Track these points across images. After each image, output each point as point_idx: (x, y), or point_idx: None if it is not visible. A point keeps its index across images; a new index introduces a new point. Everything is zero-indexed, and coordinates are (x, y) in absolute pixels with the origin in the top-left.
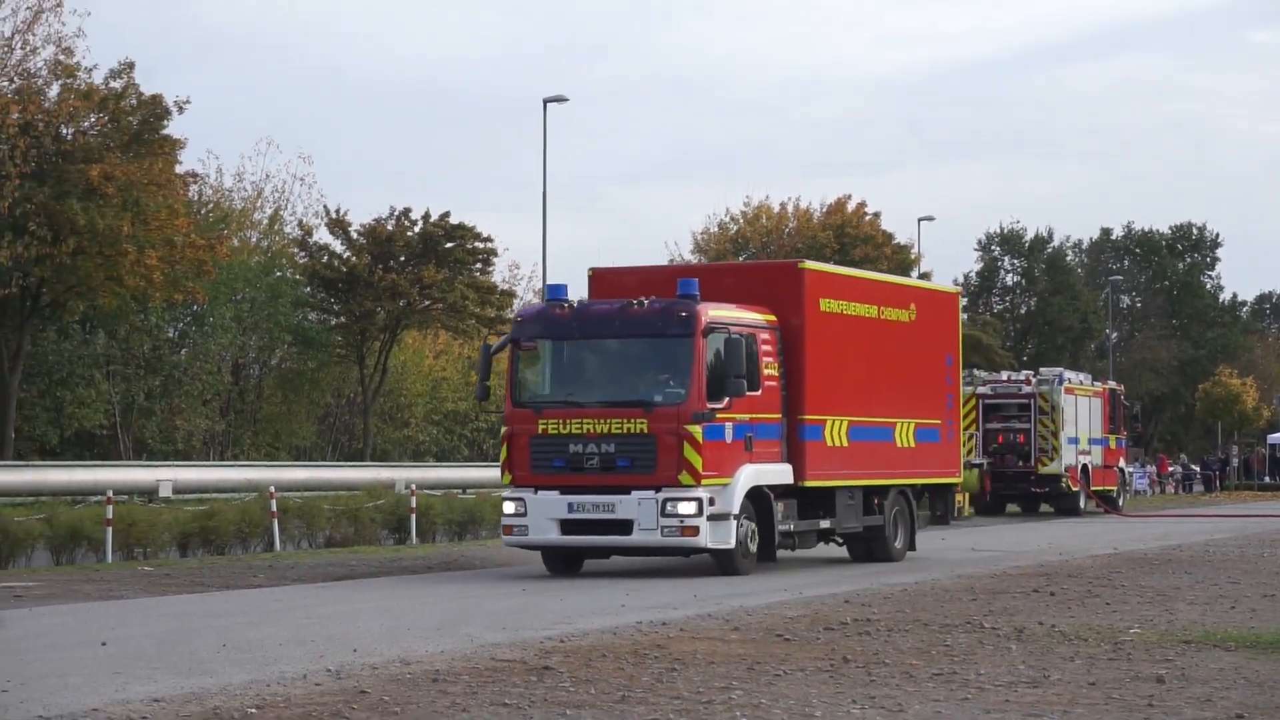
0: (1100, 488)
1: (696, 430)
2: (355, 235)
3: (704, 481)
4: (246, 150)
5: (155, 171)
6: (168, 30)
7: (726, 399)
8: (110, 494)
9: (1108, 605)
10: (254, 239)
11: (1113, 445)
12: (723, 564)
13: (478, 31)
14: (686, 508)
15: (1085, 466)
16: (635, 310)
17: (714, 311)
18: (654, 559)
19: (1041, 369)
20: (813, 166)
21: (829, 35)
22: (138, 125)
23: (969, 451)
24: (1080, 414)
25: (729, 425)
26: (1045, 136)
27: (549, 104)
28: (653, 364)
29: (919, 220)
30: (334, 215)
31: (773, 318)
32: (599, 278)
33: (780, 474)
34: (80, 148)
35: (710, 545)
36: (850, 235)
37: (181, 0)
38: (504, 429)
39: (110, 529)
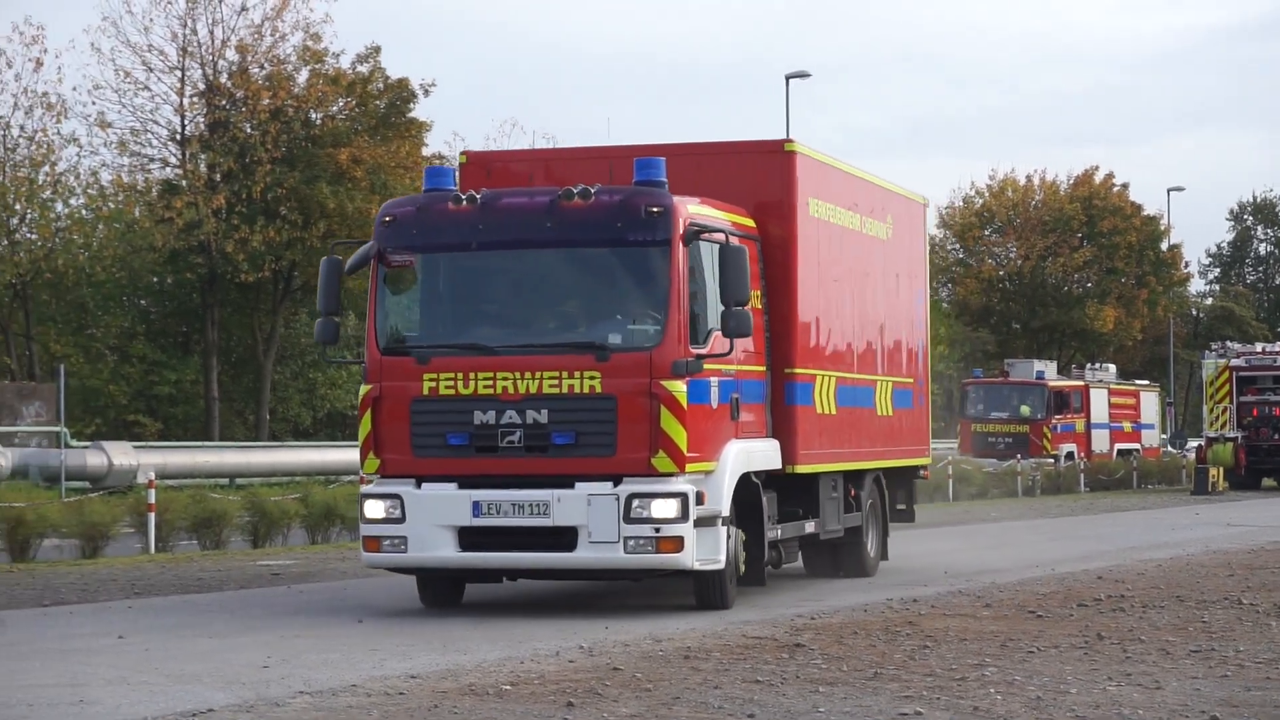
0: None
1: (678, 388)
2: None
3: (688, 467)
4: (491, 132)
5: (402, 154)
6: (414, 13)
7: (717, 340)
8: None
9: None
10: None
11: None
12: (705, 592)
13: (719, 6)
14: (665, 508)
15: None
16: (577, 204)
17: (694, 207)
18: (564, 582)
19: None
20: (1059, 137)
21: (1072, 3)
22: (384, 109)
23: (1223, 425)
24: None
25: (714, 382)
26: None
27: (791, 80)
28: (607, 287)
29: (1168, 191)
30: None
31: (751, 223)
32: (480, 165)
33: (768, 455)
34: (329, 132)
35: (697, 565)
36: (1098, 207)
37: None
38: (364, 388)
39: None
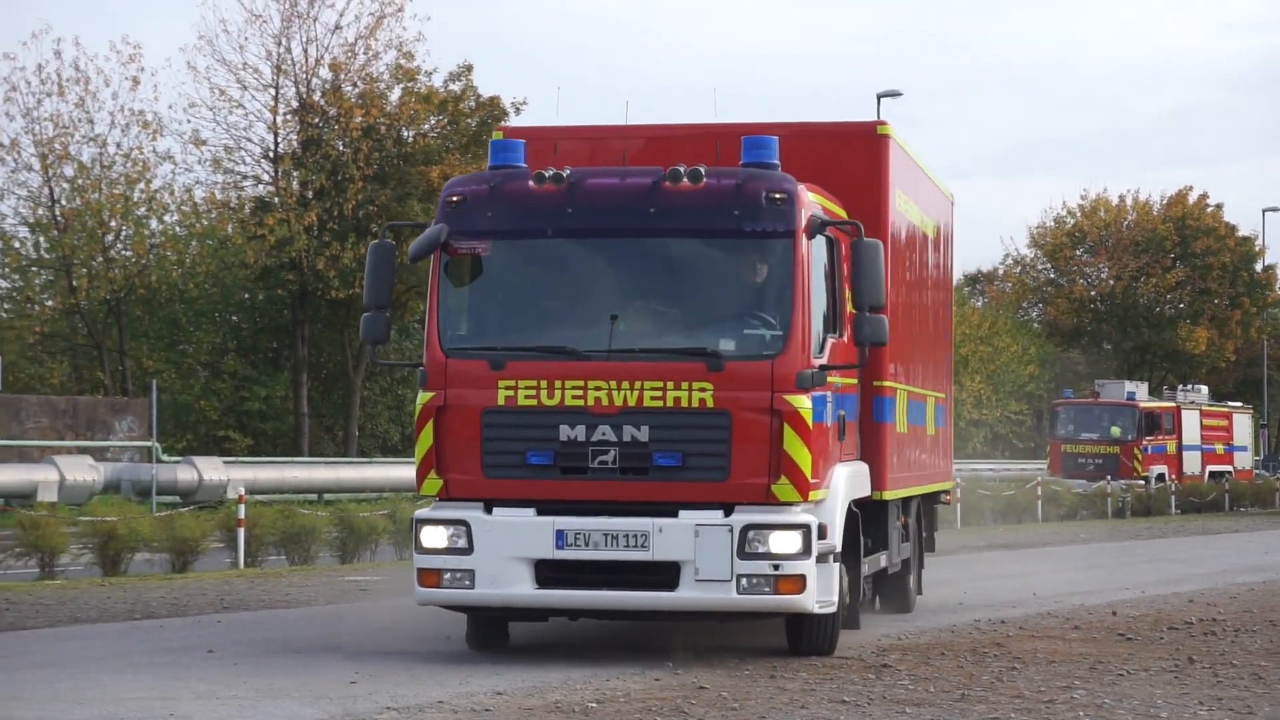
0: None
1: (803, 404)
2: None
3: (811, 495)
4: None
5: None
6: (505, 32)
7: (836, 348)
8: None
9: None
10: None
11: None
12: (811, 637)
13: (813, 26)
14: (785, 542)
15: None
16: (684, 187)
17: (813, 196)
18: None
19: None
20: (1151, 158)
21: (1167, 24)
22: (476, 127)
23: None
24: None
25: (829, 397)
26: None
27: (883, 99)
28: (718, 284)
29: (1263, 211)
30: None
31: (844, 213)
32: (544, 140)
33: (865, 481)
34: (420, 150)
35: (817, 608)
36: (1191, 228)
37: (518, 1)
38: (424, 396)
39: None
